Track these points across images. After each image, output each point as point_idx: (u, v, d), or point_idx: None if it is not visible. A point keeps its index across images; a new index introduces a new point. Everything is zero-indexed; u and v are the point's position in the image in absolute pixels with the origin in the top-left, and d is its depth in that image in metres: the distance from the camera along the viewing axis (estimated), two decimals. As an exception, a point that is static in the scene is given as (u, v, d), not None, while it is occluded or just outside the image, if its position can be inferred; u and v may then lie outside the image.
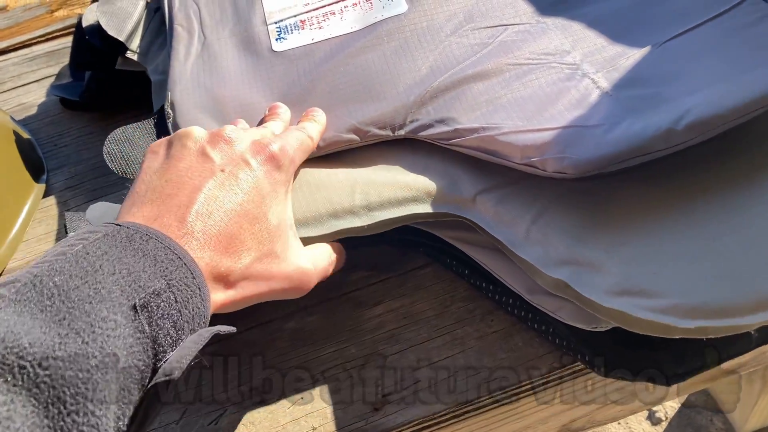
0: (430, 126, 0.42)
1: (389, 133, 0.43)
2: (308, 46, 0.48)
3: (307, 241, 0.40)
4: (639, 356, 0.38)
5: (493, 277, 0.41)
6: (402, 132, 0.43)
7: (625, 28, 0.44)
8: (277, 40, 0.49)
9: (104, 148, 0.45)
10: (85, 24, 0.55)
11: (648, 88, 0.40)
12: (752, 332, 0.38)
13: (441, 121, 0.42)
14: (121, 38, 0.53)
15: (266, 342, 0.44)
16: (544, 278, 0.36)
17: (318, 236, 0.40)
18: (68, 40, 0.67)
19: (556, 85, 0.42)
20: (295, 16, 0.51)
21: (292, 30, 0.50)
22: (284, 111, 0.44)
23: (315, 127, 0.43)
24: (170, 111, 0.46)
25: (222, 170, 0.36)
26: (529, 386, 0.40)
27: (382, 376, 0.41)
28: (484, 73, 0.43)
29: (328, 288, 0.45)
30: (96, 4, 0.56)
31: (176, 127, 0.45)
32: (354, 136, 0.43)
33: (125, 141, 0.46)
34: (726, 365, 0.43)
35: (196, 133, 0.38)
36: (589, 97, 0.40)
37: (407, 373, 0.41)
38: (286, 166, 0.39)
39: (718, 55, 0.40)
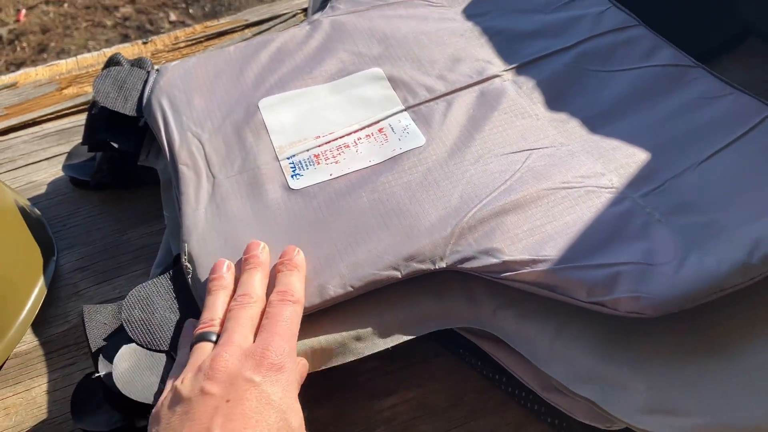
0: (474, 258, 0.42)
1: (430, 266, 0.42)
2: (326, 182, 0.47)
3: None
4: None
5: (504, 369, 0.42)
6: (443, 264, 0.42)
7: (652, 147, 0.46)
8: (292, 177, 0.48)
9: (123, 315, 0.42)
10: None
11: (701, 214, 0.41)
12: None
13: (486, 253, 0.42)
14: (127, 112, 0.54)
15: (280, 433, 0.43)
16: (569, 392, 0.37)
17: (338, 364, 0.41)
18: (78, 119, 0.68)
19: (600, 210, 0.42)
20: (307, 150, 0.50)
21: (307, 165, 0.49)
22: (295, 257, 0.42)
23: (297, 283, 0.41)
24: (189, 265, 0.44)
25: (227, 401, 0.34)
26: (543, 481, 0.41)
27: (397, 469, 0.41)
28: (521, 201, 0.44)
29: (339, 377, 0.45)
30: (101, 77, 0.56)
31: (196, 281, 0.43)
32: (394, 272, 0.42)
33: (146, 305, 0.43)
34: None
35: (188, 382, 0.36)
36: (641, 224, 0.41)
37: (422, 467, 0.41)
38: (288, 362, 0.37)
39: (760, 176, 0.42)
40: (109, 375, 0.40)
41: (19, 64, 2.40)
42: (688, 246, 0.38)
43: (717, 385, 0.35)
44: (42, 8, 2.96)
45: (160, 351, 0.40)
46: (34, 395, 0.48)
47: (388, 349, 0.45)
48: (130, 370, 0.39)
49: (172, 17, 2.88)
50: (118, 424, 0.44)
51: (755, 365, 0.35)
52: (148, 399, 0.38)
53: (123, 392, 0.38)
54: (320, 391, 0.45)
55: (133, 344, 0.41)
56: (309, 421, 0.44)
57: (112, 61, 0.59)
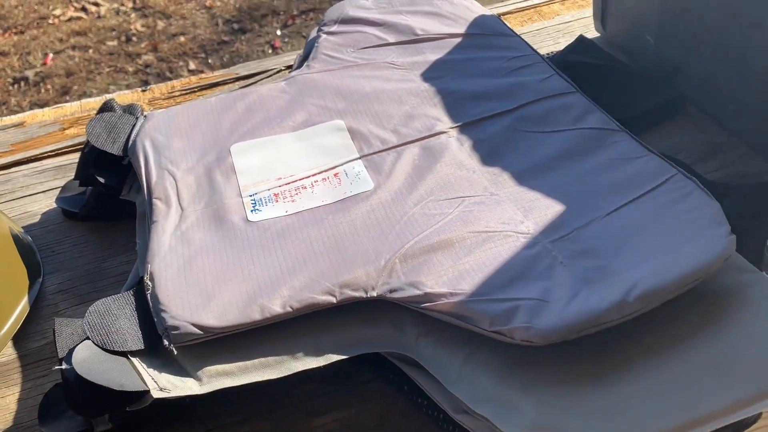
0: (401, 289, 0.47)
1: (363, 294, 0.47)
2: (281, 218, 0.54)
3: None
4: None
5: (426, 394, 0.47)
6: (374, 293, 0.47)
7: (569, 199, 0.52)
8: (252, 211, 0.54)
9: (85, 319, 0.47)
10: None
11: (598, 259, 0.46)
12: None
13: (411, 285, 0.47)
14: (114, 152, 0.61)
15: (222, 442, 0.48)
16: (471, 411, 0.42)
17: (276, 377, 0.45)
18: (75, 156, 0.75)
19: (514, 252, 0.48)
20: (268, 189, 0.56)
21: (266, 203, 0.55)
22: None
23: None
24: (149, 282, 0.49)
25: None
26: (452, 495, 0.45)
27: (322, 479, 0.46)
28: (448, 241, 0.49)
29: (280, 396, 0.50)
30: (94, 121, 0.63)
31: (155, 297, 0.48)
32: (330, 297, 0.47)
33: (106, 313, 0.48)
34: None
35: None
36: (546, 266, 0.46)
37: (344, 478, 0.46)
38: None
39: (655, 229, 0.47)
40: (70, 369, 0.45)
41: (43, 105, 2.51)
42: (580, 286, 0.44)
43: (593, 406, 0.40)
44: (68, 53, 3.10)
45: (114, 352, 0.45)
46: (8, 402, 0.53)
47: (323, 370, 0.50)
48: (88, 360, 0.44)
49: (192, 66, 3.00)
50: (79, 429, 0.49)
51: (627, 391, 0.40)
52: (103, 381, 0.43)
53: (80, 374, 0.43)
54: (261, 408, 0.50)
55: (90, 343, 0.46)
56: (249, 434, 0.49)
57: (106, 107, 0.66)
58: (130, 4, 3.38)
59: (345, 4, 0.75)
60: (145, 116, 0.65)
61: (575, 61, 0.73)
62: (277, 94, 0.66)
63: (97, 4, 3.44)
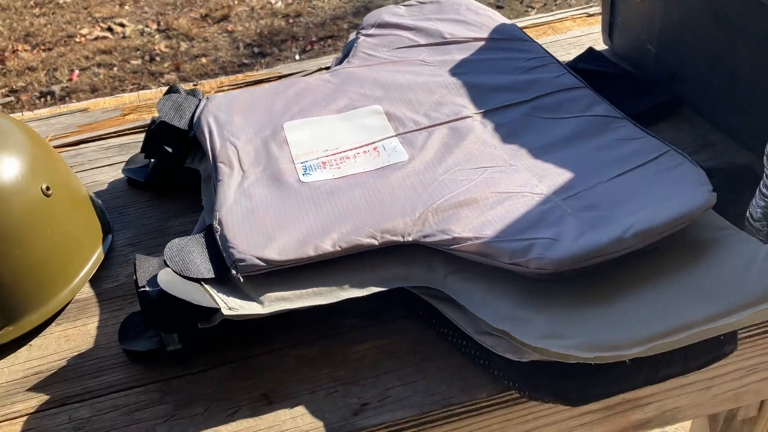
0: (433, 235, 0.56)
1: (400, 238, 0.56)
2: (329, 180, 0.62)
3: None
4: (553, 384, 0.51)
5: (452, 325, 0.55)
6: (410, 238, 0.56)
7: (577, 169, 0.60)
8: (303, 174, 0.63)
9: (165, 252, 0.55)
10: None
11: (601, 211, 0.55)
12: (638, 379, 0.51)
13: (442, 231, 0.56)
14: (181, 126, 0.70)
15: (276, 362, 0.57)
16: (493, 328, 0.50)
17: (326, 303, 0.54)
18: (136, 137, 0.84)
19: (530, 207, 0.56)
20: (317, 158, 0.65)
21: (315, 168, 0.64)
22: None
23: None
24: (218, 226, 0.58)
25: None
26: (474, 407, 0.53)
27: (363, 391, 0.54)
28: (473, 199, 0.58)
29: (325, 328, 0.59)
30: (163, 99, 0.73)
31: (223, 237, 0.56)
32: (373, 241, 0.56)
33: (181, 248, 0.56)
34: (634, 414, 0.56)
35: None
36: (557, 217, 0.55)
37: (382, 389, 0.54)
38: None
39: (650, 188, 0.56)
40: (153, 291, 0.53)
41: (67, 118, 2.61)
42: (585, 229, 0.52)
43: (593, 319, 0.48)
44: (93, 70, 3.22)
45: (189, 278, 0.54)
46: (89, 328, 0.61)
47: (362, 308, 0.58)
48: (170, 281, 0.53)
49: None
50: (153, 346, 0.57)
51: (620, 307, 0.48)
52: (184, 296, 0.51)
53: (165, 289, 0.51)
54: (309, 337, 0.58)
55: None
56: (300, 357, 0.57)
57: (172, 89, 0.76)
58: (155, 26, 3.51)
59: (382, 11, 0.85)
60: (207, 98, 0.74)
61: (584, 68, 0.82)
62: (322, 83, 0.75)
63: (122, 25, 3.58)
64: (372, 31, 0.82)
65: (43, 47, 3.42)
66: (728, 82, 0.72)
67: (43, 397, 0.56)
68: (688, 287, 0.49)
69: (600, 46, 0.91)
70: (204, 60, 3.19)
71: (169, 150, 0.71)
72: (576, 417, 0.57)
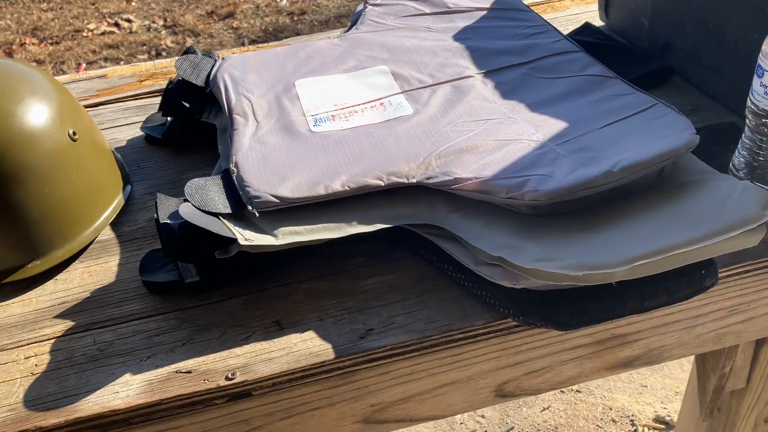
0: (436, 177, 0.60)
1: (404, 180, 0.60)
2: (338, 131, 0.67)
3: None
4: (545, 310, 0.54)
5: (452, 259, 0.59)
6: (414, 180, 0.60)
7: (572, 120, 0.65)
8: (314, 125, 0.68)
9: (186, 188, 0.59)
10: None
11: (592, 152, 0.59)
12: (625, 308, 0.55)
13: (444, 173, 0.60)
14: (198, 83, 0.74)
15: (287, 294, 0.60)
16: (490, 257, 0.54)
17: (335, 237, 0.58)
18: (152, 100, 0.88)
19: (526, 151, 0.60)
20: (326, 112, 0.69)
21: (325, 120, 0.68)
22: None
23: None
24: (234, 168, 0.62)
25: None
26: (471, 333, 0.57)
27: (369, 318, 0.58)
28: (474, 146, 0.62)
29: (333, 266, 0.63)
30: (181, 59, 0.77)
31: (240, 178, 0.60)
32: (379, 182, 0.60)
33: (200, 186, 0.61)
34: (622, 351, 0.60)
35: None
36: (551, 158, 0.59)
37: (386, 317, 0.57)
38: None
39: (638, 132, 0.60)
40: (174, 223, 0.57)
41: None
42: (577, 166, 0.56)
43: (583, 244, 0.52)
44: (100, 64, 3.27)
45: (207, 212, 0.58)
46: (110, 265, 0.65)
47: (367, 248, 0.62)
48: (190, 213, 0.56)
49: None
50: (172, 278, 0.61)
51: (607, 235, 0.52)
52: (204, 225, 0.55)
53: (187, 218, 0.55)
54: (319, 272, 0.62)
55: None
56: (310, 290, 0.61)
57: (189, 51, 0.80)
58: (161, 22, 3.56)
59: (388, -16, 0.89)
60: (223, 58, 0.78)
61: (580, 40, 0.86)
62: (331, 47, 0.79)
63: (129, 21, 3.63)
64: (379, 1, 0.87)
65: (50, 41, 3.47)
66: (716, 49, 0.76)
67: (69, 323, 0.59)
68: (670, 217, 0.53)
69: (597, 23, 0.95)
70: (209, 55, 3.24)
71: (187, 105, 0.75)
72: (568, 350, 0.61)
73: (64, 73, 3.28)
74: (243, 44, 3.26)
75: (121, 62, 3.23)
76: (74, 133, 0.66)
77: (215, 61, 0.78)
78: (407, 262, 0.63)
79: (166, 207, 0.61)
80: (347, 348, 0.55)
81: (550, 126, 0.63)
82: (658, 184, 0.58)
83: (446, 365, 0.58)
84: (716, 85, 0.78)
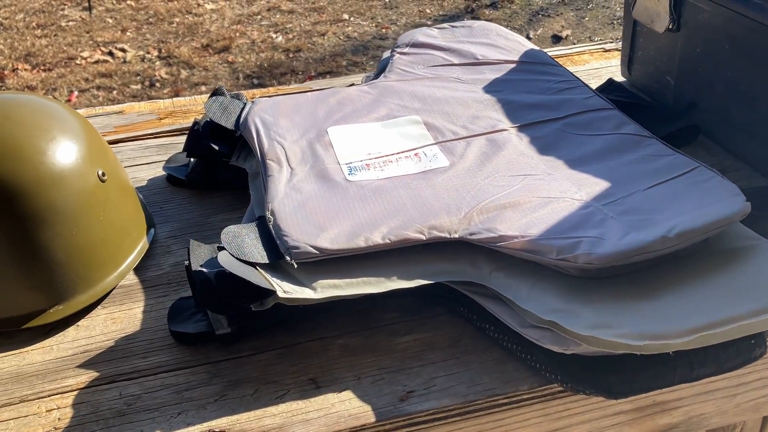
0: (479, 233, 0.58)
1: (447, 235, 0.59)
2: (374, 180, 0.65)
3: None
4: (595, 377, 0.53)
5: (494, 319, 0.57)
6: (456, 235, 0.59)
7: (614, 179, 0.64)
8: (349, 174, 0.66)
9: (222, 236, 0.57)
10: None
11: (642, 215, 0.58)
12: (674, 376, 0.54)
13: (488, 230, 0.58)
14: (228, 126, 0.72)
15: (321, 349, 0.58)
16: (540, 320, 0.53)
17: (376, 292, 0.56)
18: (174, 139, 0.86)
19: (572, 210, 0.59)
20: (361, 160, 0.68)
21: (360, 169, 0.67)
22: None
23: None
24: (271, 216, 0.61)
25: None
26: (516, 399, 0.55)
27: (408, 379, 0.56)
28: (516, 202, 0.61)
29: (366, 321, 0.61)
30: (211, 101, 0.76)
31: (276, 226, 0.59)
32: (420, 235, 0.58)
33: (236, 234, 0.58)
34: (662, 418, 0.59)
35: None
36: (599, 219, 0.58)
37: (426, 379, 0.55)
38: None
39: (687, 196, 0.60)
40: (210, 272, 0.55)
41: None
42: (629, 230, 0.55)
43: (639, 312, 0.51)
44: (93, 92, 3.25)
45: (245, 262, 0.56)
46: (134, 312, 0.63)
47: (404, 304, 0.61)
48: (228, 262, 0.54)
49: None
50: (203, 329, 0.59)
51: (664, 303, 0.51)
52: (242, 274, 0.53)
53: (225, 266, 0.53)
54: (353, 327, 0.60)
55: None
56: (344, 346, 0.59)
57: (218, 92, 0.79)
58: (156, 53, 3.56)
59: (416, 32, 0.89)
60: (252, 101, 0.77)
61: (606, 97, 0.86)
62: (362, 94, 0.78)
63: (123, 50, 3.62)
64: (407, 50, 0.86)
65: (43, 67, 3.44)
66: (746, 109, 0.76)
67: (93, 374, 0.57)
68: (728, 287, 0.52)
69: (618, 78, 0.95)
70: (204, 88, 3.23)
71: (216, 147, 0.73)
72: (608, 417, 0.59)
73: (55, 101, 3.24)
74: (238, 79, 3.26)
75: (114, 91, 3.21)
76: (103, 174, 0.64)
77: (244, 104, 0.77)
78: (444, 319, 0.61)
79: (198, 254, 0.59)
80: (388, 411, 0.53)
81: (592, 185, 0.63)
82: (703, 249, 0.57)
83: (487, 431, 0.56)
84: (745, 145, 0.78)
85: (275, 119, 0.73)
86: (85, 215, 0.61)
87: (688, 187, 0.60)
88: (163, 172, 0.80)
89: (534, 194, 0.62)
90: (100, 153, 0.66)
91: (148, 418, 0.53)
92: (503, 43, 0.87)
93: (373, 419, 0.53)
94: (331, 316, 0.61)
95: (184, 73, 3.37)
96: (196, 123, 0.77)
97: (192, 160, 0.79)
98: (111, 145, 0.85)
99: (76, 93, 3.22)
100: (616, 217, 0.58)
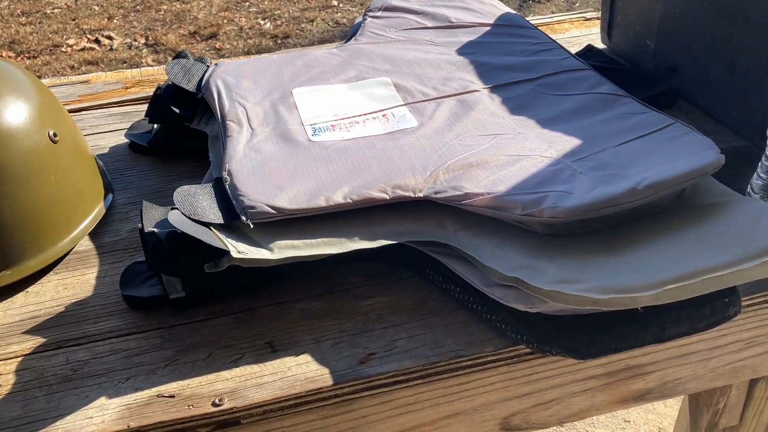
0: (444, 191, 0.56)
1: (411, 194, 0.56)
2: (339, 141, 0.63)
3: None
4: (562, 337, 0.51)
5: (459, 280, 0.55)
6: (421, 194, 0.56)
7: (585, 137, 0.61)
8: (313, 134, 0.64)
9: (175, 195, 0.55)
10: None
11: (612, 170, 0.56)
12: (645, 336, 0.52)
13: (453, 188, 0.56)
14: (190, 88, 0.70)
15: (280, 314, 0.56)
16: (504, 278, 0.50)
17: (338, 253, 0.53)
18: (138, 107, 0.84)
19: (541, 167, 0.57)
20: (326, 122, 0.66)
21: (324, 130, 0.65)
22: None
23: None
24: (228, 176, 0.58)
25: None
26: (480, 361, 0.53)
27: (369, 342, 0.53)
28: (484, 160, 0.59)
29: (330, 285, 0.58)
30: (172, 63, 0.73)
31: (233, 186, 0.56)
32: (384, 195, 0.56)
33: (190, 194, 0.56)
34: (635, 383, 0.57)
35: None
36: (568, 175, 0.56)
37: (388, 341, 0.53)
38: None
39: (659, 151, 0.57)
40: (161, 232, 0.52)
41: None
42: (598, 184, 0.53)
43: (606, 266, 0.48)
44: (79, 79, 3.20)
45: (200, 222, 0.53)
46: (88, 278, 0.60)
47: (367, 267, 0.58)
48: (180, 221, 0.52)
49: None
50: (156, 293, 0.56)
51: (632, 257, 0.49)
52: (194, 234, 0.50)
53: (176, 226, 0.51)
54: (314, 291, 0.58)
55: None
56: (305, 310, 0.56)
57: (181, 55, 0.76)
58: (143, 40, 3.52)
59: (388, -4, 0.86)
60: (216, 64, 0.74)
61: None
62: (330, 56, 0.76)
63: (110, 38, 3.58)
64: (379, 13, 0.84)
65: (27, 55, 3.40)
66: (726, 72, 0.73)
67: (39, 340, 0.54)
68: (698, 240, 0.50)
69: (599, 45, 0.93)
70: (191, 75, 3.20)
71: (177, 110, 0.70)
72: (579, 382, 0.57)
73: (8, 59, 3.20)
74: (225, 65, 3.23)
75: (100, 79, 3.17)
76: (55, 135, 0.61)
77: (207, 66, 0.74)
78: (409, 282, 0.58)
79: (151, 216, 0.57)
80: (346, 374, 0.51)
81: (564, 143, 0.60)
82: (678, 206, 0.55)
83: (451, 395, 0.54)
84: (725, 109, 0.76)
85: (238, 81, 0.71)
86: (35, 176, 0.59)
87: (662, 142, 0.58)
88: (126, 140, 0.77)
89: (502, 152, 0.59)
90: (53, 114, 0.63)
91: (95, 384, 0.51)
92: (478, 7, 0.84)
93: (330, 382, 0.50)
94: (293, 282, 0.59)
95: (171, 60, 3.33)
96: (158, 88, 0.74)
97: (155, 126, 0.76)
98: (74, 113, 0.83)
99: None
100: (585, 172, 0.55)
